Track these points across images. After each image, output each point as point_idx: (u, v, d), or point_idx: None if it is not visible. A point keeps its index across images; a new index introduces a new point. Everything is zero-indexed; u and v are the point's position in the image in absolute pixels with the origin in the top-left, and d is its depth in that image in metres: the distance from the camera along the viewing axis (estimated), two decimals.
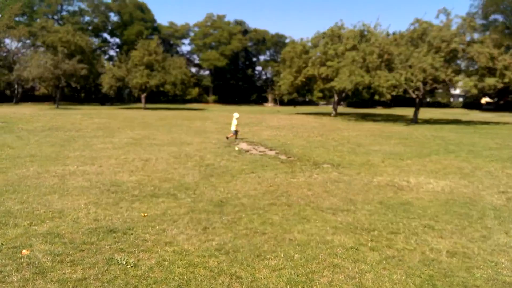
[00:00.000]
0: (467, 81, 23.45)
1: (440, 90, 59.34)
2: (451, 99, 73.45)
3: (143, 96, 47.43)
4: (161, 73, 45.62)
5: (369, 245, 4.31)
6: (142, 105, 47.56)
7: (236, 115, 15.27)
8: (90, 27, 72.87)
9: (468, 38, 25.27)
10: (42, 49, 54.41)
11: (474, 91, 23.56)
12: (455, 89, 45.64)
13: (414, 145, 14.10)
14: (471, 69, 25.95)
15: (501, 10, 53.97)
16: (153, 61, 46.08)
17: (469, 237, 4.65)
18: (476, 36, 25.90)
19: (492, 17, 55.50)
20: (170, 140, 14.29)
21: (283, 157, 10.87)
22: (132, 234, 4.46)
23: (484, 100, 65.92)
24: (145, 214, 5.22)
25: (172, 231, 4.61)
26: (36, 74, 40.78)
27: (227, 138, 14.88)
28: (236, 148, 12.31)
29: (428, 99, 63.28)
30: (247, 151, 11.99)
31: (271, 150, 12.35)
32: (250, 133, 17.77)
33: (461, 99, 73.22)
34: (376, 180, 8.09)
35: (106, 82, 46.37)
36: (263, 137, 16.13)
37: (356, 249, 4.18)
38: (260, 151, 11.98)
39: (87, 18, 73.27)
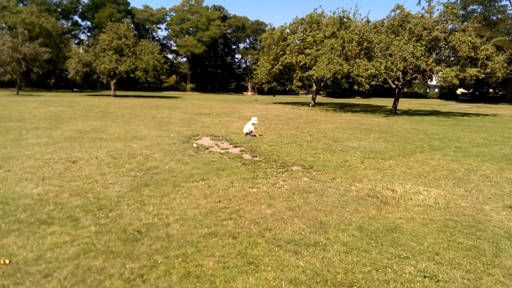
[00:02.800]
0: (448, 71, 22.28)
1: (417, 81, 59.13)
2: (427, 90, 73.62)
3: (112, 82, 44.57)
4: (131, 58, 42.76)
5: None
6: (115, 92, 44.81)
7: (254, 120, 13.12)
8: (59, 9, 68.38)
9: (450, 26, 24.10)
10: (5, 31, 50.57)
11: (456, 81, 22.45)
12: (431, 80, 45.08)
13: (395, 140, 12.69)
14: (452, 59, 24.87)
15: (479, 0, 53.54)
16: (123, 45, 43.11)
17: None
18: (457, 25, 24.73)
19: (470, 7, 55.11)
20: (122, 134, 12.34)
21: (247, 156, 9.18)
22: None
23: (460, 90, 66.34)
24: (7, 261, 3.42)
25: None
26: None
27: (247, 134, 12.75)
28: (194, 145, 10.52)
29: (405, 90, 62.92)
30: (207, 148, 10.23)
31: (235, 146, 10.64)
32: (219, 125, 16.00)
33: (437, 90, 73.53)
34: (355, 188, 6.54)
35: (72, 67, 43.17)
36: (232, 130, 14.39)
37: None
38: (222, 148, 10.24)
39: (55, 0, 68.55)
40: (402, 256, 3.84)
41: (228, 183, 6.55)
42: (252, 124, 12.93)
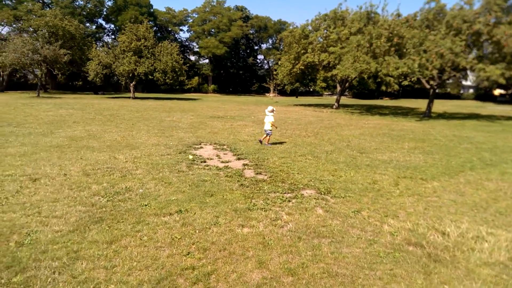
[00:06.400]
0: (492, 69, 19.67)
1: (450, 80, 55.34)
2: (461, 90, 69.16)
3: (131, 84, 43.99)
4: (150, 59, 42.02)
5: None
6: (134, 94, 44.24)
7: (269, 110, 11.19)
8: (84, 12, 69.34)
9: (493, 20, 21.42)
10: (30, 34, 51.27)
11: (502, 81, 19.81)
12: (466, 80, 41.57)
13: (436, 151, 10.57)
14: (495, 55, 22.14)
15: None
16: (142, 46, 42.44)
17: None
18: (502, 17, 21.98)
19: (510, 1, 51.02)
20: (116, 141, 10.90)
21: (249, 173, 7.43)
22: None
23: (498, 91, 61.80)
24: None
25: None
26: (11, 59, 37.22)
27: (260, 142, 11.07)
28: (190, 157, 8.86)
29: (437, 90, 59.27)
30: (205, 160, 8.56)
31: (239, 159, 8.92)
32: (229, 131, 14.34)
33: (472, 91, 68.93)
34: (388, 228, 4.67)
35: (92, 69, 42.89)
36: (241, 136, 12.68)
37: None
38: (222, 161, 8.54)
39: (80, 3, 69.54)
40: None
41: (212, 218, 4.82)
42: (272, 115, 11.10)
